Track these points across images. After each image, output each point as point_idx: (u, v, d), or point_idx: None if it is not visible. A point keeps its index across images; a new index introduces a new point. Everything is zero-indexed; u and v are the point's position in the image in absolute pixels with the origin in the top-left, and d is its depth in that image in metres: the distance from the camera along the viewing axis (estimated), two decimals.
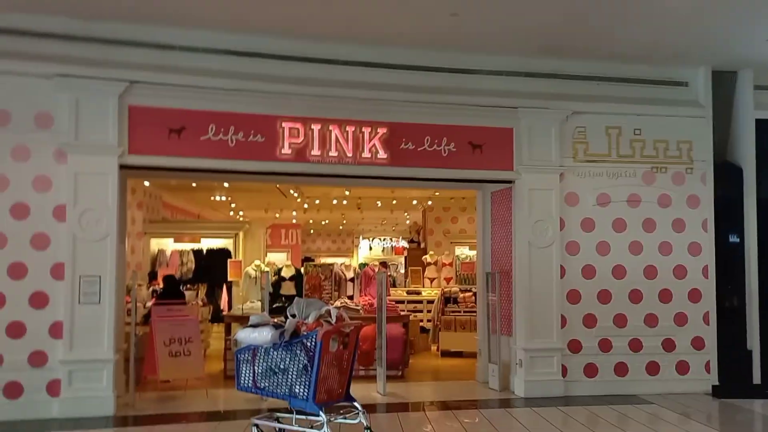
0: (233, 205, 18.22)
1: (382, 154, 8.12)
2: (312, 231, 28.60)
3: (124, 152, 7.41)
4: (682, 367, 8.73)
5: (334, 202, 17.89)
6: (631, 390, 8.51)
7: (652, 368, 8.68)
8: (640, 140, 8.82)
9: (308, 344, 5.67)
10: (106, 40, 7.39)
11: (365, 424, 5.77)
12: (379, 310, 8.79)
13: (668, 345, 8.72)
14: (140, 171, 7.97)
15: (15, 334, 7.07)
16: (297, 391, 5.70)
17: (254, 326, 5.93)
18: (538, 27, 7.60)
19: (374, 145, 8.11)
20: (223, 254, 13.93)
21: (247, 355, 6.00)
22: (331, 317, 5.97)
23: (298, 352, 5.72)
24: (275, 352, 5.82)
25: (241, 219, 18.66)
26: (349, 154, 8.05)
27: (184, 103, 7.62)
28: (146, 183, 13.01)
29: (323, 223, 25.26)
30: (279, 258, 16.05)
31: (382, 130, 8.13)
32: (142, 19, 7.35)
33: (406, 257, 19.23)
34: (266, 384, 5.89)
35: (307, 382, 5.64)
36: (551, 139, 8.52)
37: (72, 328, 7.14)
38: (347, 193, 15.64)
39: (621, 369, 8.61)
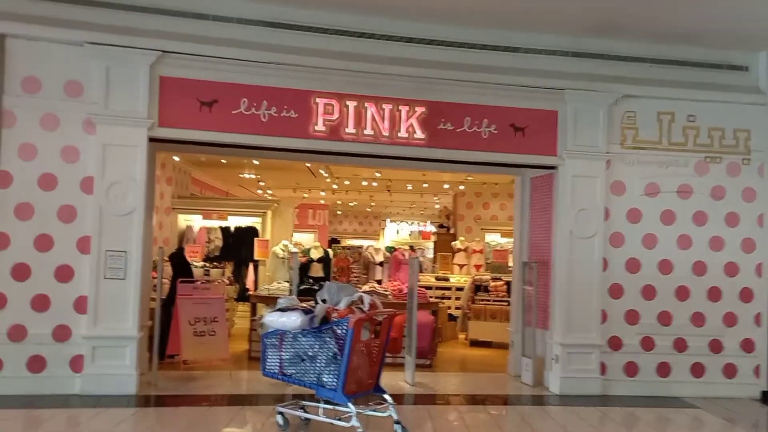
0: (262, 183, 18.07)
1: (419, 134, 7.76)
2: (339, 212, 28.54)
3: (154, 124, 7.19)
4: (730, 370, 8.30)
5: (364, 183, 17.67)
6: (673, 392, 8.11)
7: (697, 370, 8.26)
8: (693, 127, 8.34)
9: (339, 332, 5.43)
10: (139, 8, 7.14)
11: (395, 418, 5.54)
12: (410, 296, 8.50)
13: (715, 346, 8.29)
14: (170, 144, 7.74)
15: (40, 307, 6.95)
16: (325, 380, 5.47)
17: (283, 310, 5.74)
18: (588, 3, 7.16)
19: (411, 124, 7.76)
20: (251, 233, 13.75)
21: (274, 340, 5.80)
22: (363, 304, 5.73)
23: (328, 339, 5.48)
24: (304, 339, 5.61)
25: (269, 198, 18.50)
26: (385, 133, 7.71)
27: (216, 75, 7.37)
28: (176, 158, 12.91)
29: (351, 204, 25.16)
30: (306, 238, 15.85)
31: (420, 109, 7.77)
32: None
33: (435, 242, 18.92)
34: (293, 371, 5.69)
35: (336, 372, 5.40)
36: (598, 123, 8.10)
37: (96, 303, 6.98)
38: (378, 174, 15.37)
39: (663, 369, 8.20)
